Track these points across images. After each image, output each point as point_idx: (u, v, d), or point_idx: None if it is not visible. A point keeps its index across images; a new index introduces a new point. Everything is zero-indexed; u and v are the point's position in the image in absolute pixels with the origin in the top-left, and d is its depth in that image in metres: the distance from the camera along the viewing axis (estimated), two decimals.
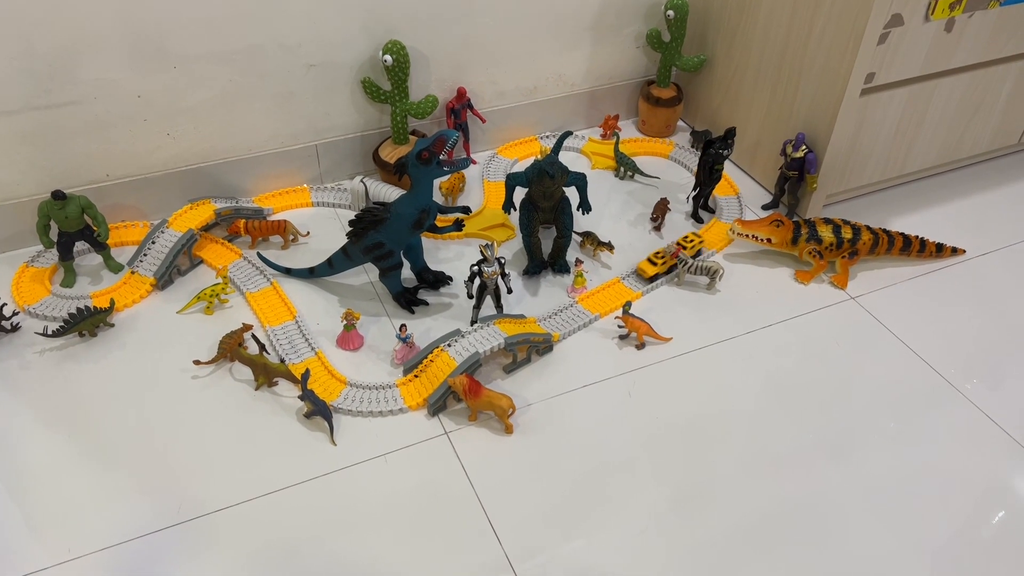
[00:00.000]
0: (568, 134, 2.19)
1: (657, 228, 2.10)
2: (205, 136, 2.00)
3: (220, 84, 1.94)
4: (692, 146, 2.41)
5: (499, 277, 1.71)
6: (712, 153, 2.02)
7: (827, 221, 1.96)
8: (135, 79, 1.85)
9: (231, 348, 1.68)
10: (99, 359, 1.70)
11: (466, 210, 1.79)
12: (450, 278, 1.90)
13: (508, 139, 2.40)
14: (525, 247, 1.92)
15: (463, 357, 1.62)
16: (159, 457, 1.51)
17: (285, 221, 1.98)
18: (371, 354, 1.74)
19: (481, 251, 1.68)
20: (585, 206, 1.90)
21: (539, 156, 1.86)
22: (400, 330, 1.67)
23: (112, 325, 1.77)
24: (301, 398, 1.55)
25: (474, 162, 2.32)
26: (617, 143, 2.28)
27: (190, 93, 1.92)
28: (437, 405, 1.59)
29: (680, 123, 2.52)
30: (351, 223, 1.73)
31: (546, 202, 1.85)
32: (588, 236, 1.99)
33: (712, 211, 2.18)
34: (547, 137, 2.43)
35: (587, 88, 2.42)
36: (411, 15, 2.03)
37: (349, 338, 1.73)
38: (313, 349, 1.72)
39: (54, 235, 1.83)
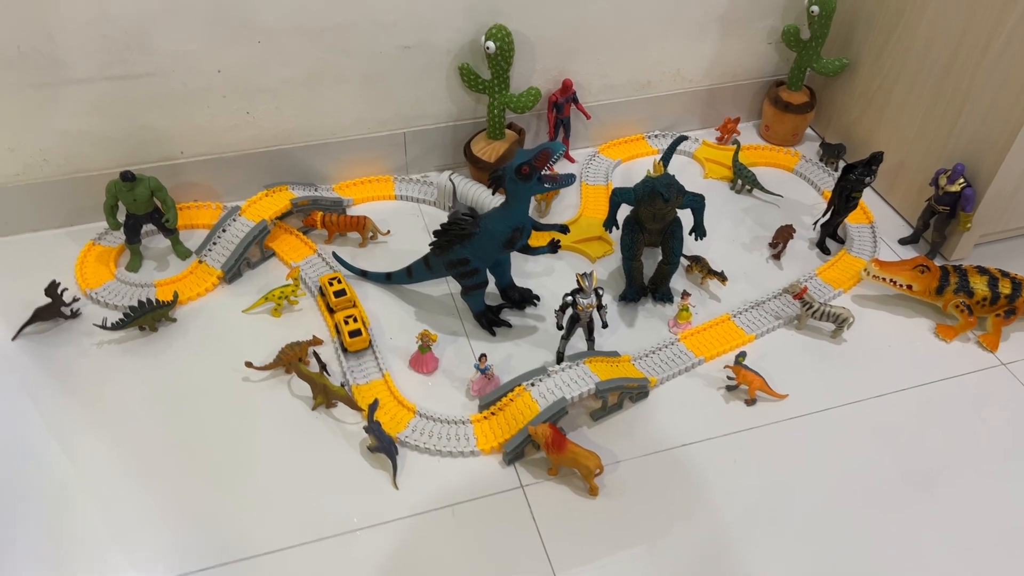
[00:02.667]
0: (683, 139, 1.95)
1: (776, 256, 1.85)
2: (286, 117, 1.84)
3: (306, 62, 1.77)
4: (821, 160, 2.13)
5: (595, 310, 1.51)
6: (852, 179, 1.74)
7: (981, 271, 1.68)
8: (216, 52, 1.69)
9: (291, 360, 1.53)
10: (156, 356, 1.58)
11: (564, 229, 1.58)
12: (537, 297, 1.71)
13: (612, 137, 2.17)
14: (624, 270, 1.71)
15: (547, 402, 1.43)
16: (207, 479, 1.38)
17: (365, 218, 1.81)
18: (444, 380, 1.57)
19: (577, 280, 1.47)
20: (700, 231, 1.67)
21: (651, 172, 1.63)
22: (480, 360, 1.49)
23: (174, 320, 1.64)
24: (366, 430, 1.40)
25: (572, 160, 2.10)
26: (737, 152, 2.02)
27: (274, 70, 1.76)
28: (514, 453, 1.41)
29: (808, 131, 2.24)
30: (436, 233, 1.55)
31: (655, 224, 1.62)
32: (697, 261, 1.76)
33: (841, 241, 1.91)
34: (655, 136, 2.19)
35: (706, 86, 2.16)
36: None
37: (423, 360, 1.56)
38: (381, 369, 1.56)
39: (122, 216, 1.71)
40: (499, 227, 1.50)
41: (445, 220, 1.86)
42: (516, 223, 1.49)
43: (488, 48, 1.76)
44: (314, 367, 1.53)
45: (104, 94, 1.68)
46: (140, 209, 1.68)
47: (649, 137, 2.18)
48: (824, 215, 1.86)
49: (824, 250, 1.88)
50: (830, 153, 2.11)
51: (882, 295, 1.77)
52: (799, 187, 2.07)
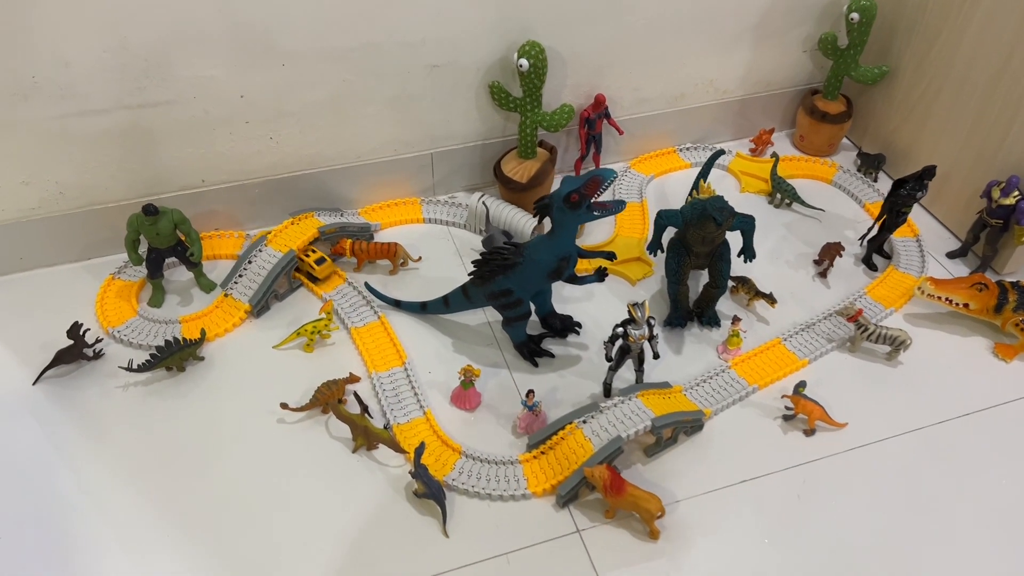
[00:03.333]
0: (720, 153, 1.89)
1: (823, 274, 1.78)
2: (311, 141, 1.77)
3: (332, 85, 1.70)
4: (859, 170, 2.06)
5: (646, 341, 1.44)
6: (903, 194, 1.68)
7: None
8: (238, 77, 1.62)
9: (329, 400, 1.46)
10: (185, 397, 1.51)
11: (610, 256, 1.51)
12: (579, 324, 1.64)
13: (643, 150, 2.10)
14: (670, 295, 1.64)
15: (602, 440, 1.36)
16: (243, 529, 1.31)
17: (396, 244, 1.74)
18: (488, 416, 1.50)
19: (629, 311, 1.40)
20: (749, 253, 1.60)
21: (697, 193, 1.56)
22: (527, 396, 1.42)
23: (202, 358, 1.57)
24: (413, 475, 1.33)
25: None
26: (775, 165, 1.95)
27: (298, 94, 1.69)
28: (569, 496, 1.34)
29: (844, 141, 2.17)
30: (476, 263, 1.48)
31: (703, 247, 1.56)
32: (743, 283, 1.69)
33: (888, 256, 1.84)
34: (687, 149, 2.12)
35: (740, 96, 2.09)
36: (551, 11, 1.73)
37: (466, 396, 1.49)
38: (422, 406, 1.49)
39: (143, 250, 1.64)
40: (545, 257, 1.43)
41: (480, 245, 1.79)
42: (563, 252, 1.42)
43: (521, 66, 1.69)
44: (353, 407, 1.46)
45: (122, 124, 1.61)
46: (163, 243, 1.61)
47: (681, 150, 2.12)
48: (871, 230, 1.79)
49: (871, 266, 1.81)
50: (869, 163, 2.04)
51: (935, 313, 1.70)
52: (839, 199, 2.01)
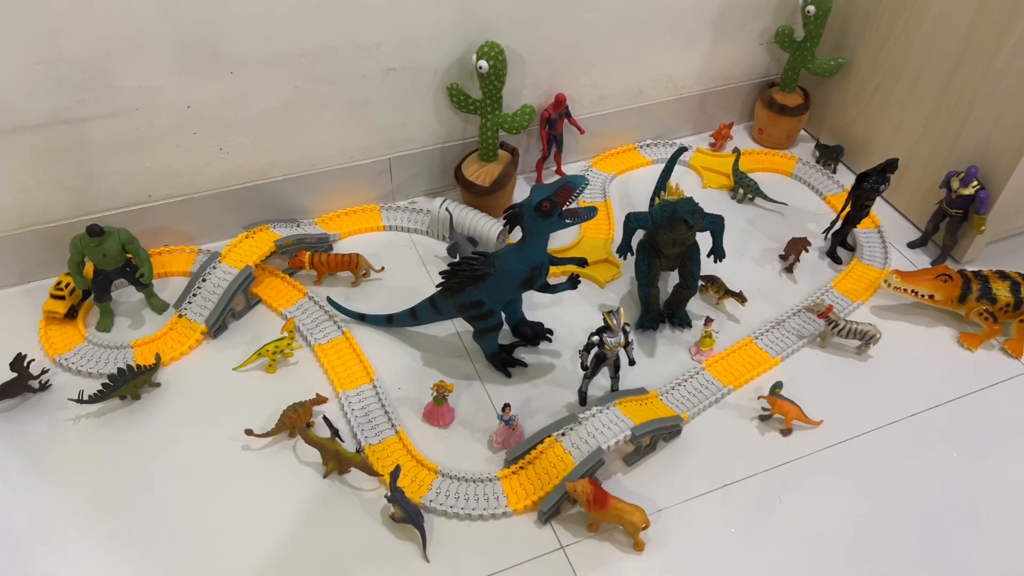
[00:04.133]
0: (683, 150, 1.87)
1: (789, 269, 1.78)
2: (264, 151, 1.69)
3: (283, 91, 1.62)
4: (817, 162, 2.07)
5: (622, 348, 1.41)
6: (866, 188, 1.68)
7: (1003, 276, 1.63)
8: (184, 86, 1.54)
9: (295, 424, 1.40)
10: (141, 427, 1.43)
11: (582, 262, 1.48)
12: (550, 331, 1.61)
13: (604, 148, 2.07)
14: (641, 297, 1.62)
15: (582, 453, 1.33)
16: (212, 565, 1.25)
17: (357, 255, 1.68)
18: (463, 431, 1.46)
19: (604, 319, 1.37)
20: (719, 253, 1.58)
21: (664, 194, 1.53)
22: (503, 411, 1.38)
23: (158, 385, 1.49)
24: (389, 499, 1.28)
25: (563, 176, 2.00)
26: (737, 160, 1.94)
27: (248, 102, 1.61)
28: (551, 512, 1.31)
29: (802, 133, 2.17)
30: (445, 274, 1.43)
31: (673, 249, 1.54)
32: (712, 282, 1.68)
33: (851, 248, 1.85)
34: (648, 146, 2.10)
35: (698, 91, 2.08)
36: (510, 10, 1.69)
37: (439, 412, 1.45)
38: (394, 426, 1.44)
39: (89, 272, 1.55)
40: (516, 267, 1.39)
41: (445, 252, 1.75)
42: (535, 262, 1.39)
43: (480, 68, 1.64)
44: (322, 430, 1.40)
45: (61, 139, 1.51)
46: (110, 264, 1.52)
47: (642, 147, 2.09)
48: (834, 224, 1.80)
49: (835, 259, 1.82)
50: (827, 155, 2.05)
51: (900, 305, 1.72)
52: (800, 192, 2.01)
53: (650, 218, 1.51)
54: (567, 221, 1.34)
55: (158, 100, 1.53)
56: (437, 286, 1.47)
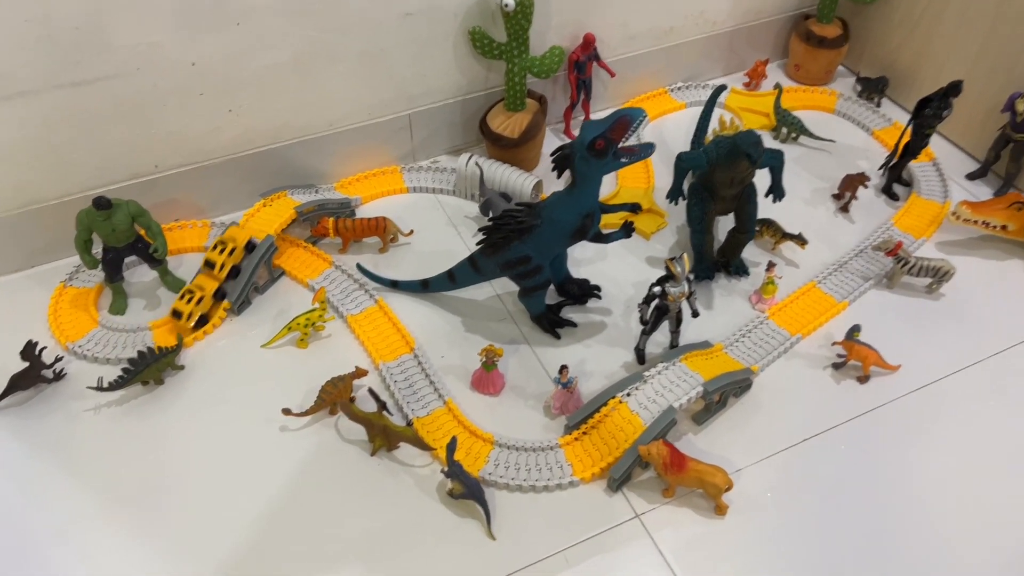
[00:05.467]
0: (722, 89, 1.74)
1: (844, 208, 1.67)
2: (275, 111, 1.56)
3: (293, 44, 1.49)
4: (860, 96, 1.94)
5: (685, 299, 1.30)
6: (928, 114, 1.56)
7: None
8: (186, 41, 1.41)
9: (337, 400, 1.29)
10: (167, 413, 1.32)
11: (635, 208, 1.36)
12: (598, 288, 1.49)
13: (634, 93, 1.94)
14: (694, 246, 1.50)
15: (652, 414, 1.22)
16: (253, 561, 1.14)
17: (384, 219, 1.56)
18: (515, 398, 1.35)
19: (667, 266, 1.26)
20: (778, 192, 1.46)
21: (719, 130, 1.41)
22: (560, 374, 1.27)
23: (181, 367, 1.38)
24: (446, 474, 1.17)
25: None
26: (779, 97, 1.82)
27: (257, 56, 1.48)
28: (622, 478, 1.21)
29: (839, 68, 2.04)
30: (485, 231, 1.31)
31: (730, 190, 1.42)
32: (767, 225, 1.56)
33: (908, 184, 1.73)
34: (679, 89, 1.97)
35: (729, 27, 1.94)
36: None
37: (489, 380, 1.34)
38: (441, 396, 1.33)
39: (98, 250, 1.43)
40: (566, 216, 1.27)
41: (478, 211, 1.62)
42: (587, 208, 1.27)
43: (507, 6, 1.51)
44: (365, 405, 1.29)
45: (55, 106, 1.38)
46: (120, 240, 1.40)
47: (672, 90, 1.97)
48: (891, 157, 1.68)
49: (892, 196, 1.70)
50: (871, 88, 1.92)
51: (968, 239, 1.60)
52: (845, 128, 1.89)
53: (704, 157, 1.39)
54: (623, 160, 1.21)
55: (159, 58, 1.40)
56: (478, 244, 1.36)
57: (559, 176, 1.26)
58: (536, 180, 1.63)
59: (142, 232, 1.43)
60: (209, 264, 1.44)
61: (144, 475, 1.24)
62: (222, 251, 1.44)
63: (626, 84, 1.91)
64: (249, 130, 1.57)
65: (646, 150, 1.22)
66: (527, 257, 1.31)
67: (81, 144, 1.45)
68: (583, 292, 1.47)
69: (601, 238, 1.33)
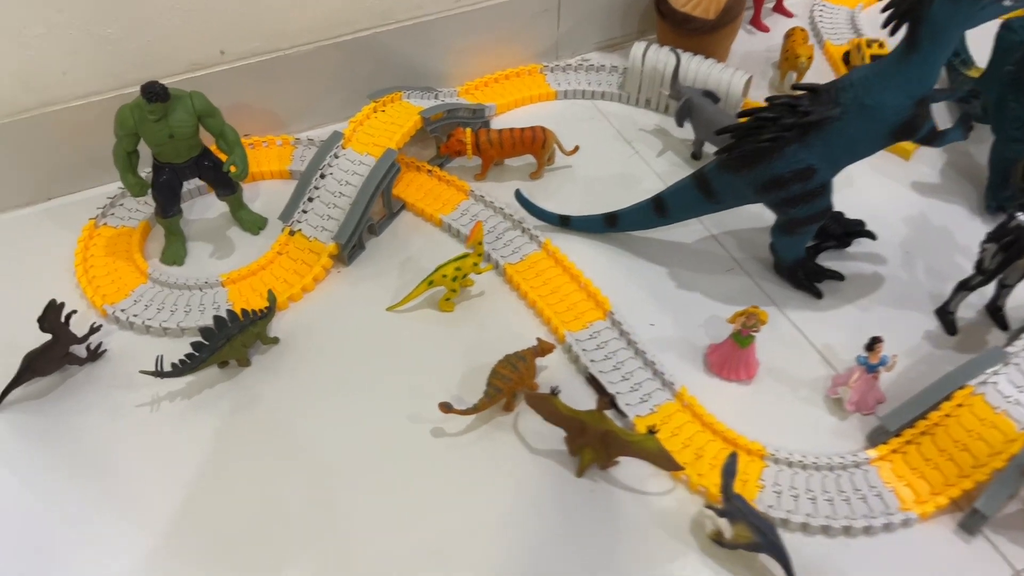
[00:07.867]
0: None
1: None
2: None
3: None
4: None
5: None
6: None
7: None
8: None
9: (519, 389, 0.85)
10: (257, 409, 0.89)
11: (971, 95, 0.89)
12: (864, 224, 1.03)
13: None
14: (992, 164, 1.04)
15: None
16: None
17: (544, 129, 1.11)
18: (771, 385, 0.91)
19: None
20: None
21: None
22: (871, 349, 0.82)
23: (274, 340, 0.94)
24: (720, 513, 0.73)
25: (789, 14, 1.41)
26: None
27: None
28: (983, 515, 0.76)
29: None
30: (738, 131, 0.86)
31: None
32: None
33: None
34: None
35: None
36: None
37: (742, 358, 0.89)
38: (667, 384, 0.88)
39: (147, 170, 0.98)
40: (891, 99, 0.81)
41: (676, 116, 1.16)
42: (926, 87, 0.81)
43: None
44: (568, 399, 0.84)
45: None
46: (180, 153, 0.96)
47: None
48: None
49: None
50: None
51: None
52: None
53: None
54: (1006, 3, 0.75)
55: None
56: (720, 152, 0.90)
57: (894, 32, 0.79)
58: (747, 76, 1.17)
59: (211, 147, 0.98)
60: None
61: (233, 500, 0.80)
62: None
63: None
64: (343, 9, 1.11)
65: None
66: (810, 169, 0.85)
67: (118, 14, 1.00)
68: (847, 231, 1.02)
69: (934, 138, 0.86)
